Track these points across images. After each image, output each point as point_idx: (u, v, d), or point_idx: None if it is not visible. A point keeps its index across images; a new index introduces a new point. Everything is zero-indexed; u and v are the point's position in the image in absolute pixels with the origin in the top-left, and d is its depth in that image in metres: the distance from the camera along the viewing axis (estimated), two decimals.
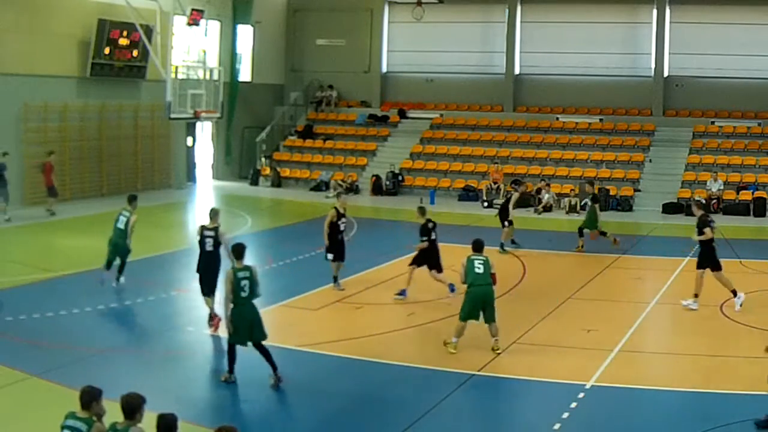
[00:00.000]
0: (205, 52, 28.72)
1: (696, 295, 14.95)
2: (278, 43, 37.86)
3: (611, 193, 28.79)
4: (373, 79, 37.02)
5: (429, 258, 15.80)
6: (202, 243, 13.64)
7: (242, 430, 7.05)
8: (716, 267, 15.03)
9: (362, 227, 23.04)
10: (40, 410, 9.96)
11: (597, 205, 21.02)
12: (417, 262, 15.86)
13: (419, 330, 13.81)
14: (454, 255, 15.01)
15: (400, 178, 32.06)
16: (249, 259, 18.06)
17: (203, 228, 13.73)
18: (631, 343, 13.15)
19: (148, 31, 26.18)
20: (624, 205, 28.37)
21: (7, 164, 23.02)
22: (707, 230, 14.96)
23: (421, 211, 16.26)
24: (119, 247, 15.85)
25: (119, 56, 27.66)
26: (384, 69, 37.04)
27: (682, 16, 32.52)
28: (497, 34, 35.06)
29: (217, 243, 13.49)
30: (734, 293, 14.90)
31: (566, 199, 28.22)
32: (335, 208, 16.27)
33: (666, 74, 32.91)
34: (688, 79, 32.69)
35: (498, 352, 12.41)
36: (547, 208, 28.04)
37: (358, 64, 37.06)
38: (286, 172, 33.82)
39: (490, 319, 12.49)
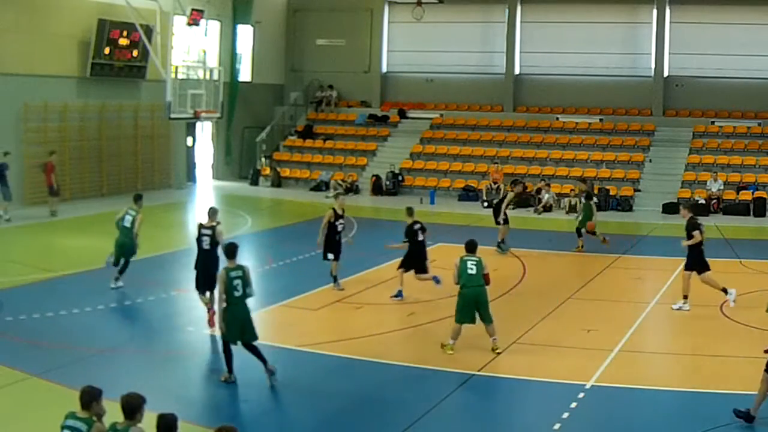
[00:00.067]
0: (205, 52, 28.72)
1: (685, 297, 14.97)
2: (278, 43, 37.86)
3: (611, 193, 28.80)
4: (373, 79, 37.02)
5: (415, 261, 15.71)
6: (199, 241, 13.78)
7: (242, 430, 7.05)
8: (703, 269, 15.00)
9: (362, 227, 23.03)
10: (40, 410, 9.96)
11: (592, 202, 20.98)
12: (405, 265, 15.80)
13: (419, 330, 13.81)
14: (454, 255, 14.97)
15: (400, 178, 32.06)
16: (250, 260, 18.07)
17: (201, 226, 13.86)
18: (631, 343, 13.14)
19: (148, 31, 26.17)
20: (624, 205, 28.38)
21: (8, 164, 23.05)
22: (696, 233, 14.93)
23: (409, 211, 16.20)
24: (126, 247, 15.89)
25: (119, 56, 27.67)
26: (384, 69, 37.04)
27: (682, 16, 32.52)
28: (497, 34, 35.06)
29: (214, 241, 13.57)
30: (724, 291, 14.89)
31: (566, 199, 28.22)
32: (333, 209, 16.26)
33: (666, 74, 32.91)
34: (688, 79, 32.70)
35: (498, 351, 12.41)
36: (547, 208, 28.05)
37: (358, 64, 37.06)
38: (286, 172, 33.82)
39: (486, 319, 12.48)
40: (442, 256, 15.98)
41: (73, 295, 15.37)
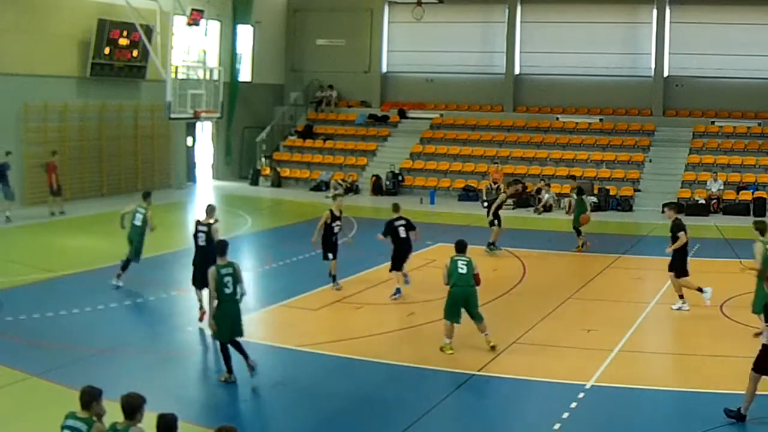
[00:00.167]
0: (205, 52, 28.74)
1: (681, 296, 14.97)
2: (278, 43, 37.86)
3: (611, 193, 28.80)
4: (373, 79, 37.02)
5: (398, 257, 15.88)
6: (195, 237, 13.95)
7: (242, 430, 7.05)
8: (682, 273, 14.97)
9: (362, 227, 23.02)
10: (40, 410, 9.96)
11: (583, 197, 20.95)
12: (395, 266, 15.93)
13: (419, 330, 13.81)
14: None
15: (400, 178, 32.06)
16: (250, 260, 18.10)
17: (198, 223, 14.05)
18: (631, 343, 13.14)
19: (148, 31, 26.18)
20: (624, 205, 28.38)
21: (10, 164, 23.08)
22: (682, 234, 14.91)
23: (395, 207, 16.40)
24: (136, 245, 16.15)
25: (119, 56, 27.67)
26: (384, 69, 37.04)
27: (682, 16, 32.52)
28: (497, 34, 35.06)
29: (209, 238, 13.70)
30: (700, 290, 14.92)
31: (566, 199, 28.15)
32: (330, 210, 16.29)
33: (666, 74, 32.91)
34: (688, 79, 32.70)
35: (492, 345, 12.42)
36: (547, 208, 28.05)
37: (358, 64, 37.06)
38: (286, 172, 33.82)
39: (477, 318, 12.53)
40: (443, 256, 15.91)
41: (73, 295, 15.37)
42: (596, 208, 27.91)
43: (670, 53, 32.72)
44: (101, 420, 6.92)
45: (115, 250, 19.00)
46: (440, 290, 15.59)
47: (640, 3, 33.10)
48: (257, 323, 14.50)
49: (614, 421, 10.16)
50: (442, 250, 16.09)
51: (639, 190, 29.17)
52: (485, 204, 28.61)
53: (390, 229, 15.91)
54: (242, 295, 11.28)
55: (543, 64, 34.40)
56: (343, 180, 31.95)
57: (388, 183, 31.75)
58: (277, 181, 33.30)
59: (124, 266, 16.05)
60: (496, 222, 20.34)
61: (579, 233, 20.79)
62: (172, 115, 24.83)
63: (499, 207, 20.51)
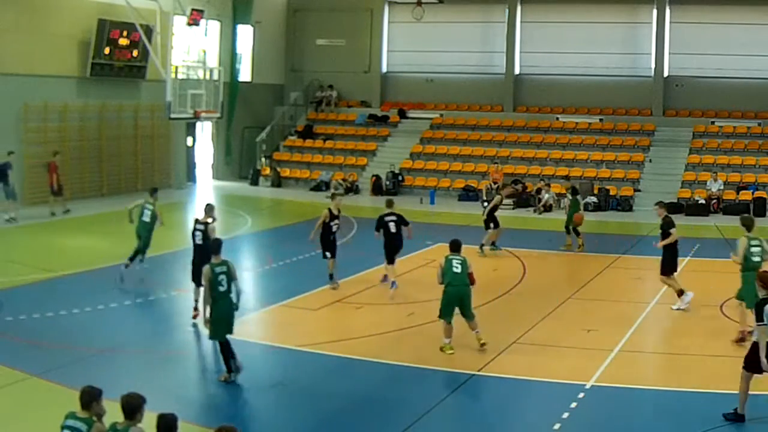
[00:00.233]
0: (205, 52, 28.74)
1: (679, 294, 14.98)
2: (278, 43, 37.86)
3: (611, 193, 28.80)
4: (373, 79, 37.02)
5: (387, 250, 16.32)
6: (193, 236, 14.13)
7: (242, 430, 7.06)
8: (672, 271, 15.04)
9: (362, 227, 23.01)
10: (40, 410, 9.96)
11: (578, 197, 20.93)
12: (389, 260, 16.43)
13: (419, 330, 13.80)
14: None
15: (400, 178, 32.06)
16: (250, 260, 18.11)
17: (196, 222, 14.25)
18: (631, 343, 13.14)
19: (148, 31, 26.17)
20: (624, 205, 28.37)
21: (11, 163, 23.11)
22: (673, 231, 14.99)
23: (387, 203, 16.83)
24: (144, 240, 16.56)
25: (119, 56, 27.67)
26: (384, 69, 37.04)
27: (682, 16, 32.52)
28: (497, 34, 35.06)
29: (206, 237, 13.85)
30: (680, 293, 15.01)
31: (566, 199, 28.17)
32: (329, 209, 16.39)
33: (666, 74, 32.90)
34: (688, 79, 32.69)
35: (483, 343, 12.44)
36: (547, 208, 28.04)
37: (358, 64, 37.06)
38: (286, 172, 33.82)
39: (468, 316, 12.58)
40: (442, 256, 15.95)
41: (73, 295, 15.38)
42: (596, 208, 27.95)
43: (670, 53, 32.72)
44: (101, 420, 6.92)
45: (115, 250, 19.04)
46: (440, 290, 15.62)
47: (640, 3, 33.10)
48: (257, 323, 14.53)
49: (614, 421, 10.16)
50: (442, 250, 15.98)
51: (639, 190, 29.16)
52: (485, 204, 28.69)
53: (381, 224, 16.38)
54: (239, 293, 11.30)
55: (543, 64, 34.39)
56: (343, 180, 31.95)
57: (388, 183, 31.75)
58: (277, 181, 33.30)
59: (132, 258, 16.46)
60: (491, 225, 20.29)
61: (577, 233, 20.78)
62: (172, 115, 24.83)
63: (495, 209, 20.46)
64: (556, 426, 9.77)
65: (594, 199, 28.25)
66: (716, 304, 15.08)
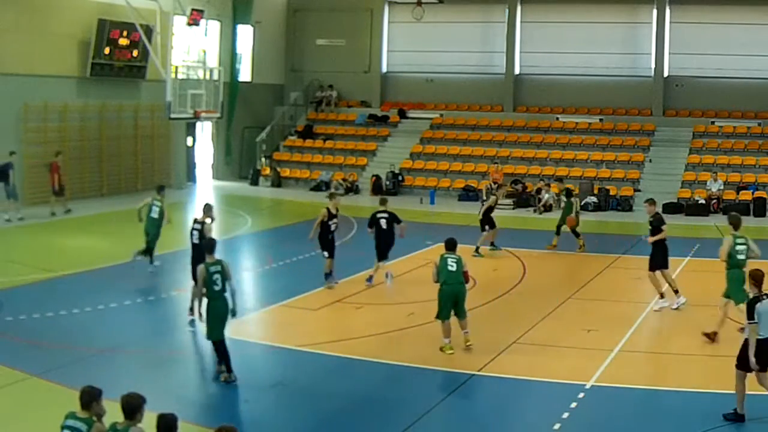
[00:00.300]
0: (205, 52, 28.73)
1: (662, 295, 15.03)
2: (278, 43, 37.86)
3: (611, 193, 28.80)
4: (373, 79, 37.02)
5: (379, 248, 16.65)
6: (191, 235, 14.37)
7: (242, 430, 7.06)
8: (661, 267, 15.14)
9: (362, 227, 22.95)
10: (40, 410, 9.96)
11: (572, 199, 20.89)
12: (380, 257, 16.76)
13: (419, 330, 13.79)
14: None
15: (400, 178, 32.06)
16: (250, 259, 18.11)
17: (194, 221, 14.49)
18: (631, 343, 13.15)
19: (148, 31, 26.18)
20: (624, 205, 28.37)
21: (13, 163, 23.12)
22: (665, 227, 15.10)
23: (381, 201, 17.32)
24: (153, 237, 16.92)
25: (119, 56, 27.67)
26: (384, 69, 37.04)
27: (682, 16, 32.52)
28: (497, 34, 35.06)
29: (202, 236, 13.95)
30: (661, 296, 15.10)
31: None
32: (327, 208, 16.51)
33: (666, 74, 32.91)
34: (688, 79, 32.70)
35: (469, 344, 12.44)
36: (547, 208, 28.03)
37: (358, 64, 37.07)
38: (286, 172, 33.83)
39: (461, 315, 12.63)
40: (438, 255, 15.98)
41: (73, 295, 15.38)
42: (596, 208, 27.95)
43: (670, 53, 32.72)
44: (101, 420, 6.92)
45: (115, 250, 19.07)
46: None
47: (640, 3, 33.11)
48: (257, 323, 14.53)
49: (614, 421, 10.16)
50: (442, 250, 16.05)
51: (639, 190, 29.15)
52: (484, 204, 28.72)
53: (373, 221, 16.73)
54: (233, 293, 11.32)
55: (543, 64, 34.39)
56: (344, 179, 31.96)
57: (388, 183, 31.75)
58: (277, 181, 33.30)
59: (144, 252, 16.86)
60: (487, 226, 20.25)
61: (577, 235, 20.75)
62: (172, 115, 24.83)
63: (490, 210, 20.44)
64: (556, 426, 9.77)
65: (594, 199, 28.25)
66: (716, 304, 15.02)
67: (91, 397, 6.92)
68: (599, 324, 14.17)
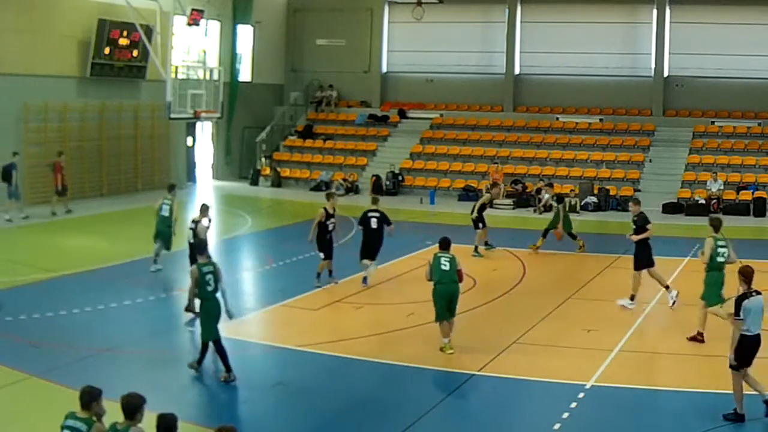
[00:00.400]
0: (205, 52, 28.76)
1: (633, 297, 15.07)
2: (278, 43, 37.87)
3: (611, 193, 28.80)
4: (373, 79, 37.03)
5: (366, 247, 16.71)
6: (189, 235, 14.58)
7: (242, 430, 7.06)
8: (650, 264, 15.20)
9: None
10: (40, 410, 9.97)
11: (561, 206, 20.83)
12: (362, 254, 16.81)
13: (419, 330, 13.79)
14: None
15: (400, 178, 32.06)
16: (250, 260, 18.12)
17: (192, 221, 14.67)
18: (631, 343, 13.15)
19: (148, 31, 26.18)
20: (624, 205, 28.30)
21: (16, 164, 23.14)
22: (650, 226, 15.16)
23: (373, 200, 17.39)
24: (165, 235, 16.93)
25: (119, 56, 27.67)
26: (384, 69, 37.05)
27: (682, 16, 32.53)
28: (497, 34, 35.07)
29: (196, 236, 14.01)
30: (667, 288, 15.14)
31: (566, 199, 28.14)
32: (324, 208, 16.53)
33: (666, 74, 32.92)
34: (688, 79, 32.71)
35: (450, 352, 12.37)
36: (548, 208, 27.99)
37: (358, 64, 37.07)
38: (286, 172, 33.83)
39: (451, 313, 12.61)
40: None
41: (73, 295, 15.38)
42: (596, 208, 27.94)
43: (670, 53, 32.72)
44: (101, 420, 6.92)
45: (115, 250, 19.08)
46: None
47: (640, 3, 33.11)
48: (257, 323, 14.53)
49: (614, 421, 10.16)
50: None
51: (639, 190, 29.13)
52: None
53: (363, 219, 16.79)
54: (223, 293, 11.33)
55: (543, 64, 34.40)
56: (344, 179, 31.96)
57: (388, 183, 31.75)
58: (277, 181, 33.30)
59: (158, 252, 16.95)
60: (480, 224, 20.23)
61: (573, 237, 20.72)
62: (172, 115, 24.85)
63: (484, 208, 20.42)
64: (556, 426, 9.78)
65: (594, 199, 28.24)
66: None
67: (91, 397, 6.92)
68: (599, 324, 14.17)
